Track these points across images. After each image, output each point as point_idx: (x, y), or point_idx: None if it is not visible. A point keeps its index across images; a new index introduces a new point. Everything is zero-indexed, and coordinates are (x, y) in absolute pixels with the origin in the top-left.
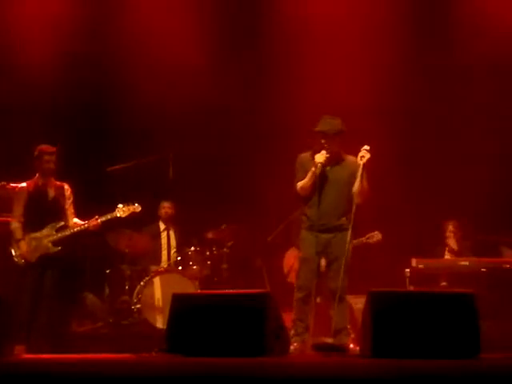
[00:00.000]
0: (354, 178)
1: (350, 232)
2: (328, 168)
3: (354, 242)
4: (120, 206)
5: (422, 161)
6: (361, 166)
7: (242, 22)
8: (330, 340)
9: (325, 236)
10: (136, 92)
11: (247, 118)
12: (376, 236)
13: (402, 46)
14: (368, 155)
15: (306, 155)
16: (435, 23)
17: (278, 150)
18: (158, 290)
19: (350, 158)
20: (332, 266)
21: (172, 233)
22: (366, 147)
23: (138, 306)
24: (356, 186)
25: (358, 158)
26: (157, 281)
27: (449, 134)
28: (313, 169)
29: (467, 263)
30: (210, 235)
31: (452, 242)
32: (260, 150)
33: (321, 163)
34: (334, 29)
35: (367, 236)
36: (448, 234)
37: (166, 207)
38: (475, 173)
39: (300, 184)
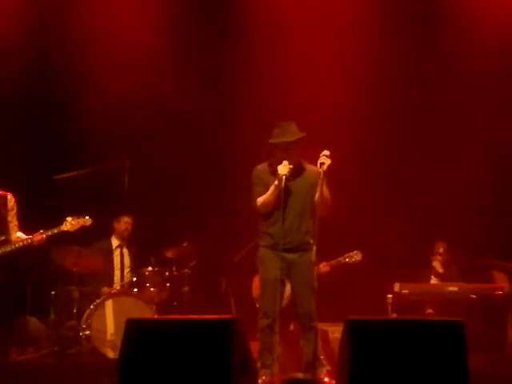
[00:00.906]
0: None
1: (314, 250)
2: (290, 180)
3: (332, 262)
4: (69, 218)
5: (408, 174)
6: (321, 174)
7: (209, 21)
8: (300, 375)
9: (290, 256)
10: (90, 92)
11: (215, 124)
12: (355, 256)
13: (385, 49)
14: (328, 161)
15: (263, 167)
16: (423, 25)
17: (250, 159)
18: (110, 315)
19: (311, 167)
20: (298, 290)
21: (126, 250)
22: (326, 152)
23: (87, 332)
24: (317, 197)
25: (318, 164)
26: (109, 304)
27: (438, 147)
28: (276, 182)
29: (456, 289)
30: (169, 253)
31: (439, 266)
32: (228, 158)
33: (285, 175)
34: (304, 28)
35: (346, 256)
36: (435, 256)
37: (126, 222)
38: (466, 191)
39: (261, 199)
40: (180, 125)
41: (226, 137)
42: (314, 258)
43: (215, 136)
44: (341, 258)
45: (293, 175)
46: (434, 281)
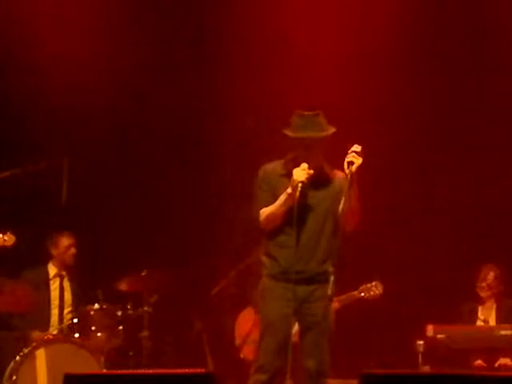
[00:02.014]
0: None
1: (332, 281)
2: (308, 189)
3: (343, 297)
4: None
5: (441, 182)
6: (348, 177)
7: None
8: None
9: (302, 289)
10: (22, 81)
11: (193, 113)
12: (375, 289)
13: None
14: (359, 160)
15: (273, 168)
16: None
17: (240, 156)
18: (43, 368)
19: (337, 173)
20: (308, 335)
21: (67, 281)
22: (356, 148)
23: None
24: (341, 207)
25: (345, 164)
26: (41, 354)
27: (480, 147)
28: (289, 190)
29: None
30: (123, 286)
31: (489, 300)
32: (201, 160)
33: (302, 182)
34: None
35: (362, 289)
36: (483, 286)
37: (67, 243)
38: None
39: (267, 211)
40: (136, 119)
41: (208, 126)
42: (330, 291)
43: (182, 131)
44: (355, 292)
45: (313, 183)
46: (480, 321)
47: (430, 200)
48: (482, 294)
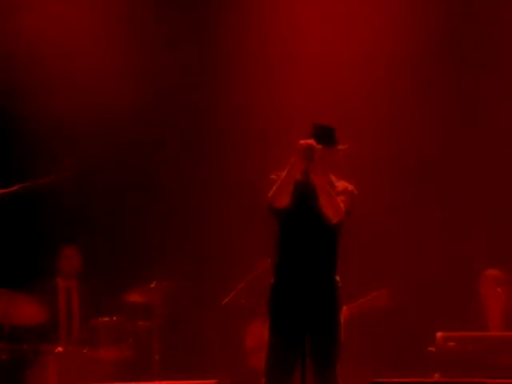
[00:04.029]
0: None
1: (338, 289)
2: (311, 198)
3: (351, 306)
4: None
5: (451, 182)
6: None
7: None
8: None
9: (308, 298)
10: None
11: (198, 121)
12: (383, 297)
13: None
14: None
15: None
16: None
17: (239, 165)
18: (54, 381)
19: (343, 183)
20: (316, 350)
21: (76, 294)
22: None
23: None
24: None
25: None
26: (51, 367)
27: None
28: (292, 159)
29: None
30: (132, 297)
31: (501, 305)
32: (210, 165)
33: (306, 149)
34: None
35: (370, 297)
36: (492, 291)
37: (69, 255)
38: None
39: (275, 185)
40: (140, 124)
41: (212, 133)
42: (340, 301)
43: (199, 131)
44: (362, 300)
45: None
46: (493, 327)
47: (440, 203)
48: (494, 300)
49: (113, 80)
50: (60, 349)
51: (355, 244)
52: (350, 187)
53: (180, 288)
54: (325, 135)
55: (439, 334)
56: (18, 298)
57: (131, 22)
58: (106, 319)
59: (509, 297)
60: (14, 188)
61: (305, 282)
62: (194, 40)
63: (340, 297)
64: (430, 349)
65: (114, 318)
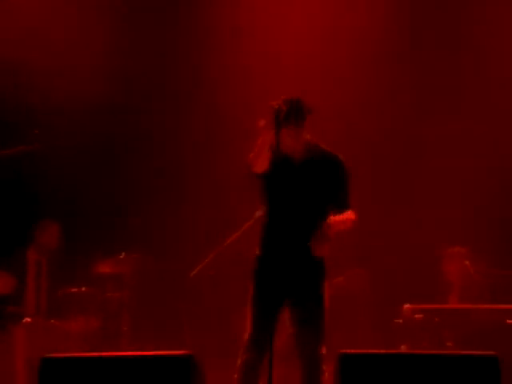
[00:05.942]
0: (333, 183)
1: (322, 262)
2: (294, 167)
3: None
4: None
5: (417, 174)
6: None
7: None
8: None
9: (293, 268)
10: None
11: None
12: (357, 275)
13: None
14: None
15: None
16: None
17: (212, 136)
18: (20, 350)
19: (330, 154)
20: (300, 320)
21: (45, 266)
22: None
23: None
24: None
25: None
26: (18, 334)
27: (450, 141)
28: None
29: (485, 311)
30: (101, 268)
31: (460, 280)
32: (182, 137)
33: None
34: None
35: (346, 275)
36: (458, 265)
37: (55, 230)
38: (487, 191)
39: (252, 153)
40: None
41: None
42: (324, 271)
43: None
44: (339, 278)
45: (302, 155)
46: (454, 301)
47: (401, 186)
48: (455, 276)
49: (87, 77)
50: (28, 319)
51: None
52: (342, 169)
53: (149, 258)
54: (295, 109)
55: (406, 306)
56: None
57: (102, 21)
58: (75, 290)
59: (469, 275)
60: None
61: (290, 252)
62: (163, 41)
63: (325, 267)
64: (396, 321)
65: (83, 289)
